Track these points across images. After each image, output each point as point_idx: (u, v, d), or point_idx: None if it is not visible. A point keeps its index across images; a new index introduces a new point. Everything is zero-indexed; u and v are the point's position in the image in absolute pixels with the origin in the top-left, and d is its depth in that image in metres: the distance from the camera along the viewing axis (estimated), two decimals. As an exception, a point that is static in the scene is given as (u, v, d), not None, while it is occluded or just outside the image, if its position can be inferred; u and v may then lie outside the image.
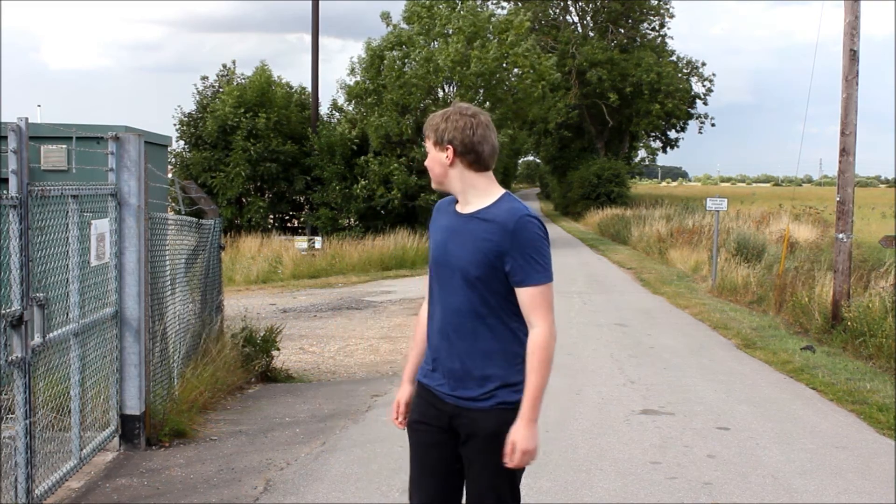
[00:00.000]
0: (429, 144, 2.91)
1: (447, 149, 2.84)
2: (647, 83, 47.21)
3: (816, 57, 13.83)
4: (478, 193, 2.84)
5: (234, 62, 26.93)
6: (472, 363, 2.80)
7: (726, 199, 17.59)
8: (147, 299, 5.65)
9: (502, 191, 2.87)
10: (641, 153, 59.03)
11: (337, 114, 27.17)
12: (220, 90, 25.76)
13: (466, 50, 24.19)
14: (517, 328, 2.80)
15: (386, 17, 26.44)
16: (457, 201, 2.92)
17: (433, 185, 2.95)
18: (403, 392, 3.08)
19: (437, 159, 2.88)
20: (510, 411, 2.76)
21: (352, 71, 26.19)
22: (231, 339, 7.73)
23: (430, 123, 2.91)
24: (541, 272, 2.76)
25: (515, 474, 2.85)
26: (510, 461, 2.73)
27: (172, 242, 6.55)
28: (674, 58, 52.33)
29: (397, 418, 3.07)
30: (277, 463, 5.51)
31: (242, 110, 24.33)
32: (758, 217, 26.05)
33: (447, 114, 2.87)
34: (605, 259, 23.34)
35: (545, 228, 2.80)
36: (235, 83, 25.68)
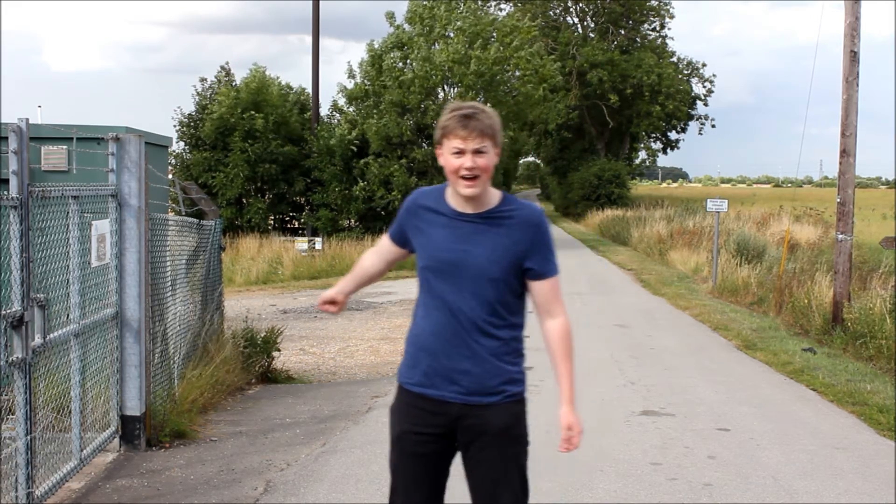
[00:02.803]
0: (489, 145, 2.78)
1: (497, 147, 2.85)
2: (648, 84, 47.21)
3: (817, 58, 13.84)
4: (487, 193, 2.86)
5: (227, 63, 27.00)
6: (483, 361, 2.81)
7: (727, 201, 17.60)
8: (147, 300, 5.65)
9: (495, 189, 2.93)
10: (642, 154, 59.05)
11: (337, 115, 27.19)
12: (218, 91, 25.80)
13: (467, 50, 24.20)
14: (519, 323, 2.89)
15: (391, 17, 26.46)
16: (442, 198, 2.87)
17: (476, 191, 2.77)
18: (337, 292, 3.12)
19: (494, 161, 2.84)
20: (517, 403, 2.86)
21: (350, 74, 26.24)
22: (231, 339, 7.73)
23: (488, 123, 2.78)
24: (554, 263, 2.94)
25: (525, 468, 2.88)
26: (570, 445, 2.85)
27: (173, 243, 6.55)
28: (674, 59, 52.33)
29: (325, 304, 3.12)
30: (278, 464, 5.51)
31: (239, 111, 24.36)
32: (758, 218, 26.03)
33: (488, 112, 2.82)
34: (606, 260, 23.34)
35: None
36: (232, 84, 25.72)
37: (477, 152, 2.76)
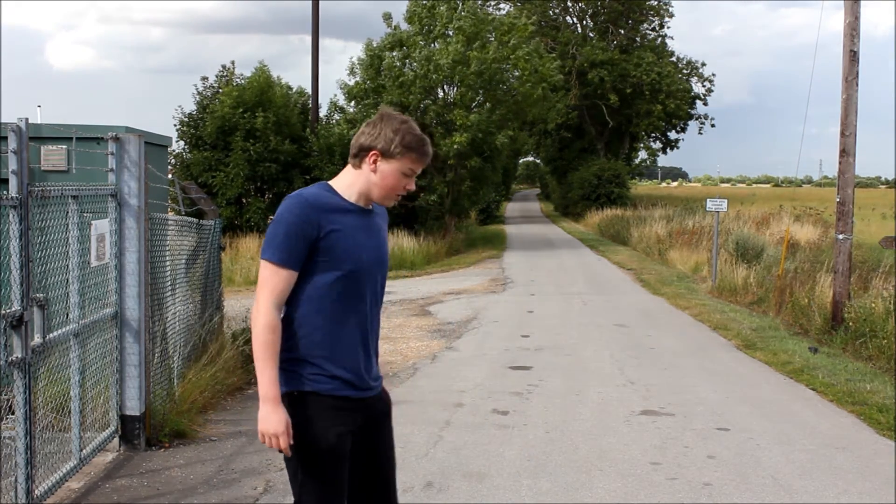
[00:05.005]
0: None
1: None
2: (648, 84, 47.22)
3: (817, 58, 13.82)
4: None
5: (233, 63, 26.97)
6: (376, 349, 2.99)
7: (726, 200, 17.59)
8: (147, 300, 5.65)
9: None
10: (642, 154, 59.04)
11: (336, 114, 27.18)
12: (220, 91, 25.79)
13: (466, 50, 24.19)
14: None
15: (388, 17, 26.47)
16: (336, 194, 2.83)
17: (393, 202, 2.92)
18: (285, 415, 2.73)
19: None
20: None
21: (352, 71, 26.22)
22: (231, 339, 7.74)
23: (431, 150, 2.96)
24: None
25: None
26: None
27: (173, 243, 6.55)
28: (674, 58, 52.33)
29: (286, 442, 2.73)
30: (277, 463, 5.50)
31: (241, 110, 24.35)
32: (758, 218, 26.03)
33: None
34: (605, 260, 23.34)
35: None
36: (234, 84, 25.71)
37: (416, 175, 2.91)
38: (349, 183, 2.85)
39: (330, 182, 2.89)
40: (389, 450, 3.04)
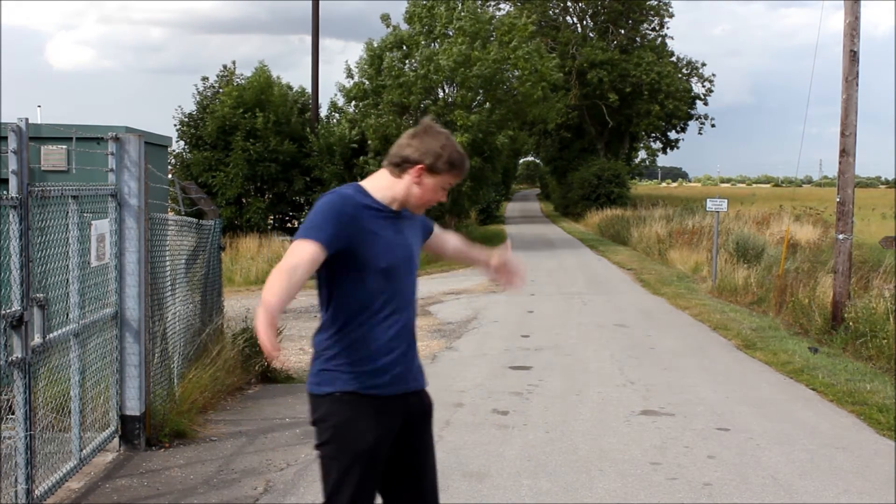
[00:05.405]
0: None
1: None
2: (647, 84, 47.22)
3: (817, 58, 13.82)
4: None
5: (233, 62, 26.99)
6: (414, 343, 2.99)
7: (726, 200, 17.59)
8: (147, 300, 5.65)
9: None
10: (641, 154, 59.07)
11: (336, 115, 27.18)
12: (220, 91, 25.79)
13: (468, 51, 24.19)
14: None
15: (386, 18, 26.48)
16: (369, 195, 2.88)
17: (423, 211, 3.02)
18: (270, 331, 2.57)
19: None
20: None
21: (349, 73, 26.23)
22: (231, 339, 7.73)
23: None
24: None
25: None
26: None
27: (173, 243, 6.55)
28: (674, 58, 52.34)
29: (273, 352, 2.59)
30: (277, 464, 5.51)
31: (241, 110, 24.35)
32: (758, 218, 26.03)
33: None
34: (605, 260, 23.34)
35: None
36: (235, 83, 25.71)
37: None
38: (385, 187, 2.89)
39: (362, 183, 2.93)
40: (430, 452, 3.03)
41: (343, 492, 2.81)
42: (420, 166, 2.85)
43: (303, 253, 2.66)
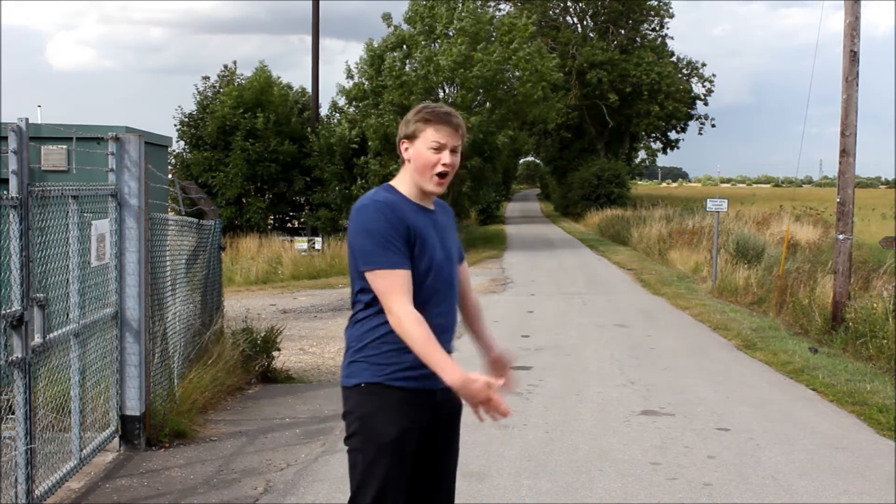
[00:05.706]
0: (459, 146, 2.87)
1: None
2: (647, 84, 47.23)
3: (817, 58, 13.82)
4: None
5: (234, 62, 27.00)
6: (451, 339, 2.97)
7: (726, 200, 17.59)
8: (147, 300, 5.65)
9: None
10: (641, 154, 59.06)
11: (337, 115, 27.19)
12: (220, 91, 25.80)
13: (469, 52, 24.19)
14: None
15: (387, 18, 26.48)
16: (404, 197, 2.85)
17: (444, 189, 2.88)
18: (480, 373, 2.74)
19: (458, 164, 2.94)
20: None
21: (349, 74, 26.24)
22: (231, 339, 7.73)
23: (463, 125, 2.89)
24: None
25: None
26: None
27: (173, 243, 6.55)
28: (674, 58, 52.34)
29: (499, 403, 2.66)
30: (277, 464, 5.51)
31: (241, 111, 24.36)
32: (758, 218, 26.03)
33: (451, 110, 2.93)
34: (606, 260, 23.34)
35: None
36: (235, 83, 25.72)
37: (453, 150, 2.84)
38: (403, 180, 2.90)
39: (391, 183, 2.93)
40: (453, 456, 3.01)
41: (370, 484, 2.77)
42: (403, 140, 2.88)
43: (399, 287, 2.71)
